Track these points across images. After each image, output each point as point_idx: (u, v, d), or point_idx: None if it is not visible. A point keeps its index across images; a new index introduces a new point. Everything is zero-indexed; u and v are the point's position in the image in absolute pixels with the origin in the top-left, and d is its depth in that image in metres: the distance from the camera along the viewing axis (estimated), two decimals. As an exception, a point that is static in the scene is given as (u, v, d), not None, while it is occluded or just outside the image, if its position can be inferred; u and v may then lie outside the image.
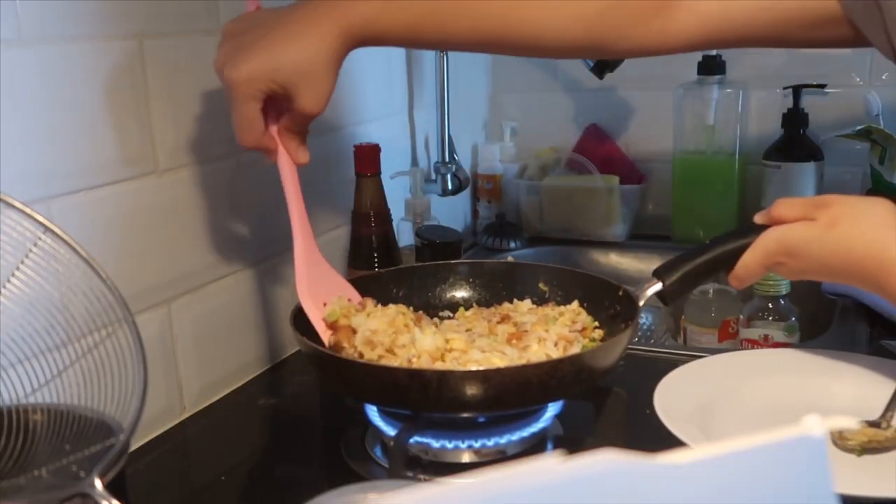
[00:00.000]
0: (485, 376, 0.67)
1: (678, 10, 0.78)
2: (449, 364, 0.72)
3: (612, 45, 0.80)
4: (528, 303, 0.86)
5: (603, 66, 1.23)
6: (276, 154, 0.76)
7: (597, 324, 0.82)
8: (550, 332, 0.77)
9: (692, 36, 0.79)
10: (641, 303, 0.78)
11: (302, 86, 0.71)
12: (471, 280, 0.93)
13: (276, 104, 0.74)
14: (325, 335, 0.79)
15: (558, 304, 0.87)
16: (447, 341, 0.73)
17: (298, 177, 0.79)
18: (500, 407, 0.70)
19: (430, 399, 0.67)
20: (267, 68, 0.70)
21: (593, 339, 0.80)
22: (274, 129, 0.76)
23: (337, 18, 0.72)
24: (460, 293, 0.93)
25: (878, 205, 0.69)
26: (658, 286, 0.78)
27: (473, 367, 0.71)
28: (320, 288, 0.82)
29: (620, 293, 0.82)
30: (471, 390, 0.66)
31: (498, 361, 0.73)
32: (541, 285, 0.89)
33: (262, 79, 0.70)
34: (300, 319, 0.79)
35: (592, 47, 0.81)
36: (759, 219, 0.75)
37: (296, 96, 0.72)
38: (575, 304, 0.85)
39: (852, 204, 0.69)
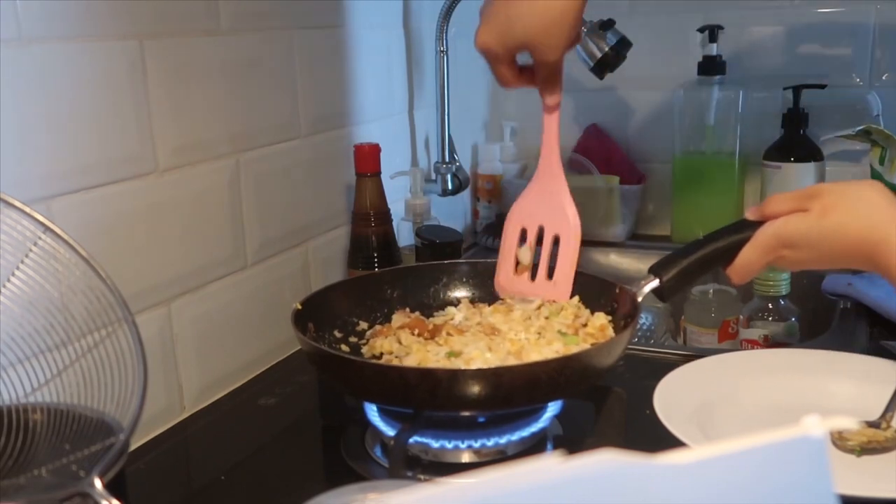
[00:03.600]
0: (495, 374, 0.67)
1: None
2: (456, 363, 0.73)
3: None
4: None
5: (603, 66, 1.23)
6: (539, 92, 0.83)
7: (610, 318, 0.82)
8: (558, 321, 0.79)
9: None
10: (639, 299, 0.78)
11: (538, 42, 0.76)
12: (467, 280, 0.93)
13: None
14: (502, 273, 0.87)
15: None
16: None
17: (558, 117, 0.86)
18: (509, 405, 0.70)
19: (439, 398, 0.67)
20: (504, 32, 0.77)
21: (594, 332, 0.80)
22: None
23: None
24: (458, 293, 0.93)
25: (868, 188, 0.71)
26: (655, 282, 0.79)
27: (482, 366, 0.71)
28: (535, 208, 0.87)
29: (618, 291, 0.82)
30: (481, 389, 0.66)
31: (494, 359, 0.73)
32: None
33: (501, 44, 0.78)
34: (301, 318, 0.79)
35: None
36: (751, 214, 0.76)
37: (535, 52, 0.78)
38: (576, 299, 0.85)
39: (843, 190, 0.71)
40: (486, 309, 0.86)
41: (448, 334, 0.80)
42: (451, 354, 0.75)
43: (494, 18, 0.78)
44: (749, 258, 0.75)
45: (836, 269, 1.10)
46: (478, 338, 0.78)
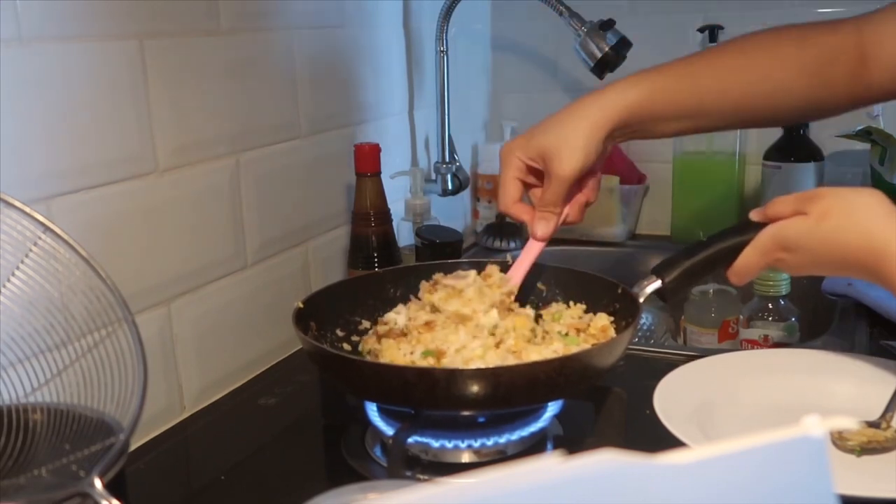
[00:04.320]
0: (494, 374, 0.67)
1: (871, 67, 0.81)
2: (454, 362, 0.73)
3: (827, 104, 0.85)
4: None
5: (603, 66, 1.23)
6: (530, 224, 0.84)
7: (611, 318, 0.82)
8: (561, 323, 0.80)
9: (890, 89, 0.82)
10: (641, 300, 0.78)
11: (554, 152, 0.79)
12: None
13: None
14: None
15: (559, 303, 0.87)
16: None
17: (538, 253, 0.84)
18: (509, 405, 0.70)
19: (438, 397, 0.67)
20: (527, 140, 0.81)
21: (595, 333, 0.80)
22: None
23: (598, 105, 0.80)
24: None
25: (868, 195, 0.70)
26: (657, 284, 0.78)
27: (481, 366, 0.71)
28: None
29: (619, 291, 0.82)
30: (480, 388, 0.66)
31: (495, 359, 0.73)
32: (539, 285, 0.89)
33: (521, 147, 0.82)
34: (303, 317, 0.79)
35: (810, 109, 0.86)
36: (754, 216, 0.76)
37: (548, 161, 0.80)
38: (577, 306, 0.85)
39: (842, 195, 0.70)
40: (434, 297, 0.82)
41: (419, 332, 0.78)
42: (428, 353, 0.74)
43: (528, 132, 0.83)
44: (748, 260, 0.75)
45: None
46: (449, 329, 0.76)
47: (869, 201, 0.69)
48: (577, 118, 0.80)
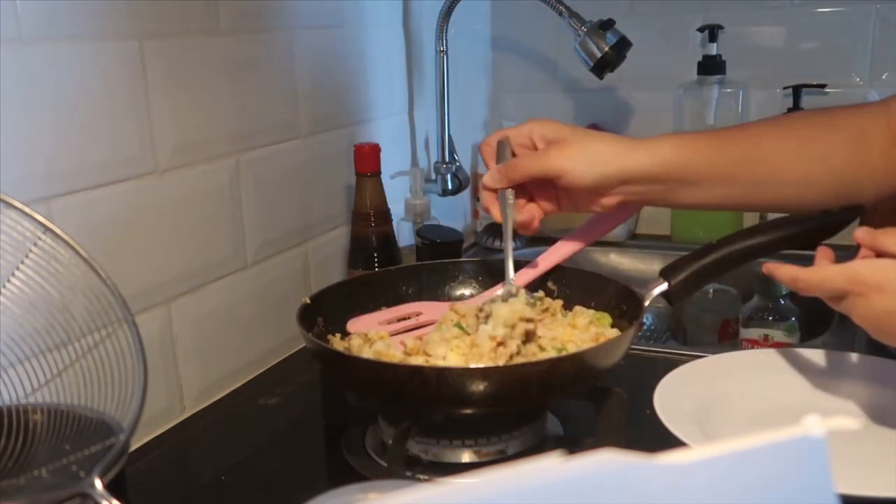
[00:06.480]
0: (484, 373, 0.67)
1: None
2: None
3: (863, 184, 0.78)
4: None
5: (603, 66, 1.23)
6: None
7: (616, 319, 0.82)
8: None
9: None
10: (647, 302, 0.78)
11: (560, 145, 0.78)
12: (482, 278, 0.93)
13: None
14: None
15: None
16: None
17: None
18: (500, 404, 0.70)
19: (429, 396, 0.67)
20: (537, 156, 0.80)
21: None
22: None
23: (628, 146, 0.78)
24: (467, 291, 0.93)
25: None
26: (664, 286, 0.78)
27: (472, 365, 0.71)
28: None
29: (626, 292, 0.82)
30: (470, 388, 0.66)
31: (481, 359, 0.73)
32: (549, 284, 0.89)
33: (530, 166, 0.80)
34: (310, 313, 0.79)
35: (846, 187, 0.79)
36: (861, 235, 0.66)
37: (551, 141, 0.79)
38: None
39: None
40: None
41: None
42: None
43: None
44: (829, 279, 0.66)
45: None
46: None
47: None
48: (604, 142, 0.78)
